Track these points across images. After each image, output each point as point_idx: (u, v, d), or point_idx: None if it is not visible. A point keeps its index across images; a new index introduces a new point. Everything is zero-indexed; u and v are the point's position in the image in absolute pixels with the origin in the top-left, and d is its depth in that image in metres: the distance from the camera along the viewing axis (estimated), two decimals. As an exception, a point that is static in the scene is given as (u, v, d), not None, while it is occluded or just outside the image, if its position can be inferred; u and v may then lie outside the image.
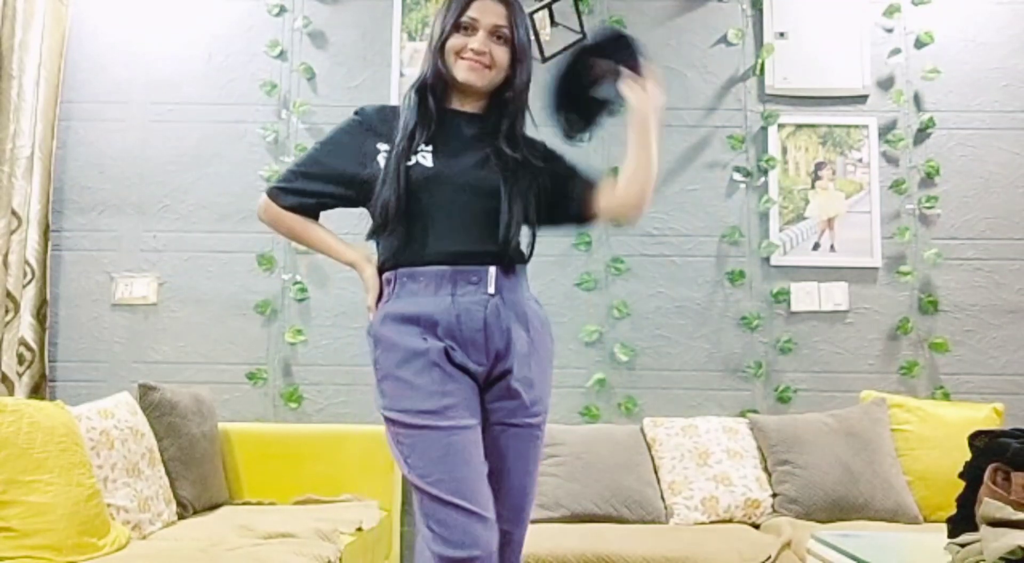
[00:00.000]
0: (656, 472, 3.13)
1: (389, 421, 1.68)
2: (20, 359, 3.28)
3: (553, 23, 3.26)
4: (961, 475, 1.95)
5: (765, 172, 3.53)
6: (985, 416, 3.14)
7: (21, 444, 2.18)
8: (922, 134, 3.55)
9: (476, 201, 1.73)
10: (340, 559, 2.49)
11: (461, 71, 1.75)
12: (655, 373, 3.45)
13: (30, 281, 3.35)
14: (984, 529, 1.74)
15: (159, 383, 3.00)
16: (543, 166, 1.82)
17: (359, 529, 2.78)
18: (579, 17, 3.30)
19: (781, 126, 3.55)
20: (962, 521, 1.90)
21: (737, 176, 3.52)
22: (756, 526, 2.99)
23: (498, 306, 1.69)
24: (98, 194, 3.54)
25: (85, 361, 3.47)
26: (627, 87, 1.75)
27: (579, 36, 3.28)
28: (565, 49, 3.30)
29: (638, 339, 3.45)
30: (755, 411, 3.37)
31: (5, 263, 3.22)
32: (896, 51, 3.56)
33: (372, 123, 1.81)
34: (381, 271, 1.78)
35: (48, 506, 2.16)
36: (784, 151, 3.55)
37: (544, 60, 3.15)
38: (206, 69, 3.60)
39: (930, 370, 3.45)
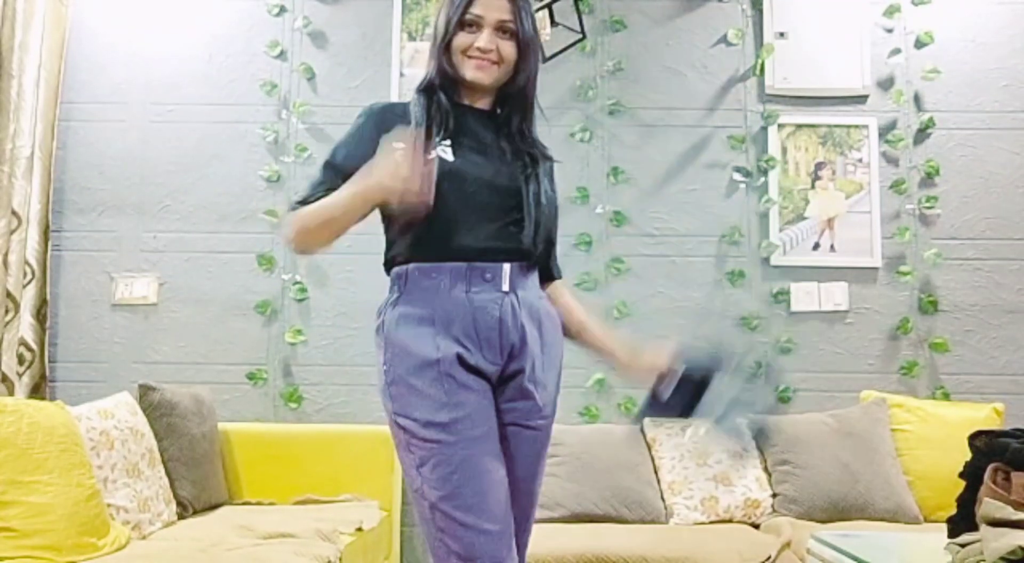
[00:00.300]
0: (656, 472, 3.13)
1: (399, 427, 1.63)
2: (20, 359, 3.28)
3: (553, 23, 3.26)
4: (961, 475, 1.95)
5: (765, 172, 3.53)
6: (985, 416, 3.14)
7: (21, 444, 2.18)
8: (922, 134, 3.55)
9: (495, 197, 1.69)
10: (340, 559, 2.49)
11: (469, 70, 1.72)
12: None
13: (30, 281, 3.35)
14: (984, 529, 1.74)
15: (159, 383, 3.00)
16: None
17: (359, 529, 2.78)
18: (579, 17, 3.30)
19: (781, 126, 3.55)
20: (962, 521, 1.90)
21: (737, 176, 3.52)
22: (756, 526, 2.99)
23: (513, 304, 1.67)
24: (98, 194, 3.54)
25: (85, 361, 3.46)
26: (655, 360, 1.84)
27: (579, 36, 3.28)
28: (565, 49, 3.32)
29: (638, 339, 3.44)
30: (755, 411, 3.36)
31: (5, 263, 3.22)
32: (896, 51, 3.56)
33: (383, 120, 1.74)
34: (392, 266, 1.72)
35: (48, 506, 2.16)
36: (784, 151, 3.55)
37: (544, 60, 3.15)
38: (206, 69, 3.60)
39: (930, 370, 3.45)
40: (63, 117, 3.53)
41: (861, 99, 3.57)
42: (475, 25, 1.71)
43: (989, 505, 1.76)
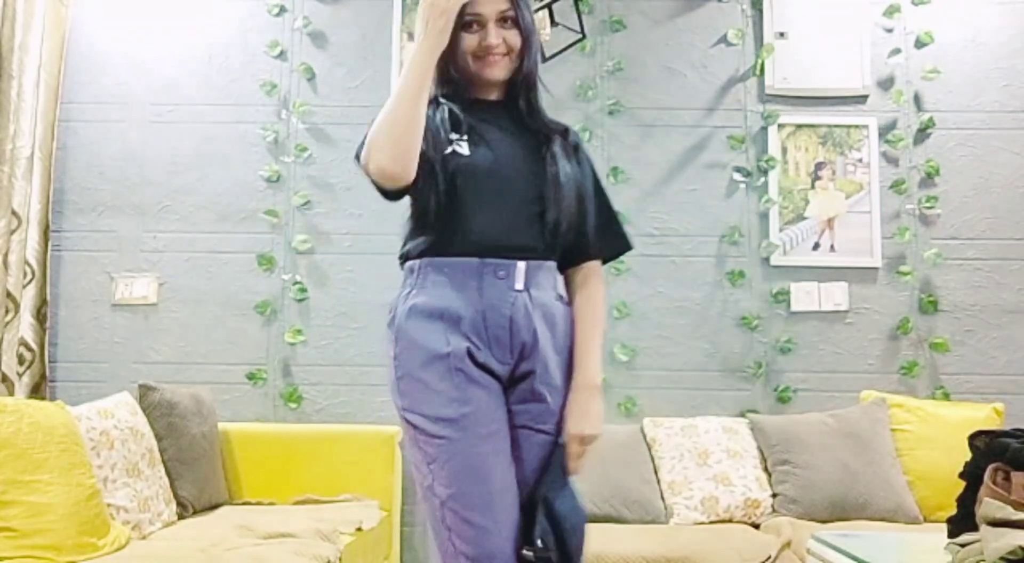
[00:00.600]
0: (656, 472, 3.13)
1: (409, 423, 1.61)
2: (20, 359, 3.28)
3: (553, 23, 3.26)
4: (961, 475, 1.95)
5: (765, 172, 3.53)
6: (985, 416, 3.14)
7: (21, 444, 2.18)
8: (922, 134, 3.55)
9: (513, 188, 1.66)
10: (340, 559, 2.49)
11: (482, 70, 1.71)
12: (655, 373, 3.45)
13: (30, 281, 3.35)
14: (984, 529, 1.74)
15: (159, 383, 3.00)
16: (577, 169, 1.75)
17: (359, 529, 2.78)
18: (579, 17, 3.30)
19: (781, 126, 3.55)
20: (962, 521, 1.90)
21: (737, 176, 3.52)
22: (756, 526, 2.99)
23: (526, 303, 1.63)
24: (98, 194, 3.54)
25: (85, 361, 3.46)
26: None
27: (579, 36, 3.28)
28: (565, 49, 3.32)
29: (638, 339, 3.45)
30: (755, 411, 3.37)
31: (5, 263, 3.22)
32: (896, 51, 3.56)
33: None
34: (406, 259, 1.70)
35: (48, 506, 2.16)
36: (784, 151, 3.55)
37: (544, 60, 3.14)
38: (206, 70, 3.60)
39: (930, 370, 3.45)
40: (63, 117, 3.53)
41: (861, 99, 3.57)
42: (477, 23, 1.69)
43: (989, 505, 1.76)
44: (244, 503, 3.13)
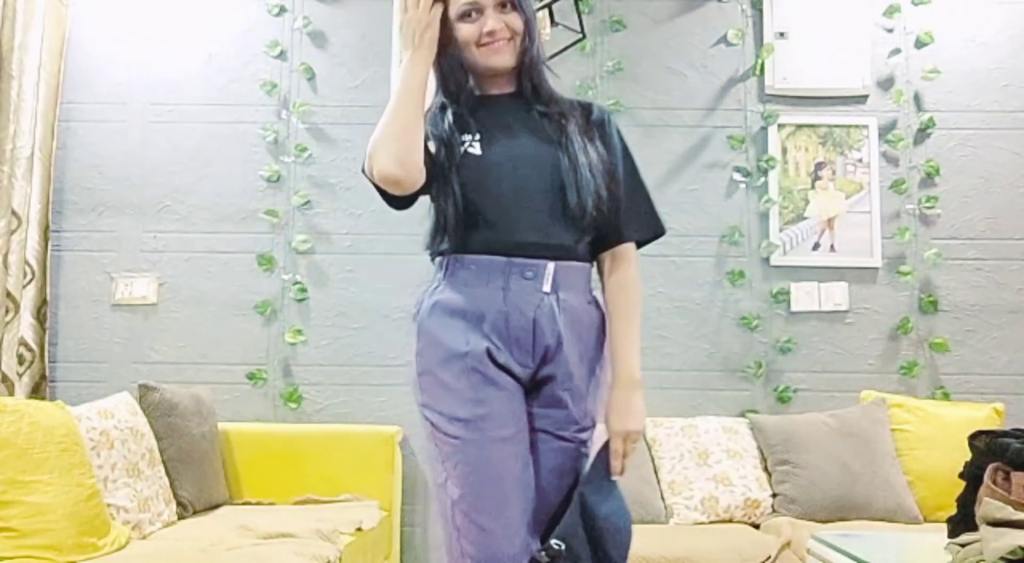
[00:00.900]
0: (656, 472, 3.13)
1: (426, 419, 1.60)
2: (20, 359, 3.28)
3: (553, 23, 3.26)
4: (961, 475, 1.95)
5: (765, 172, 3.53)
6: (985, 416, 3.14)
7: (21, 444, 2.18)
8: (922, 134, 3.55)
9: (535, 183, 1.61)
10: (340, 559, 2.49)
11: (489, 59, 1.65)
12: (655, 373, 3.45)
13: (30, 281, 3.35)
14: (984, 529, 1.74)
15: (159, 383, 3.00)
16: (601, 148, 1.68)
17: (359, 529, 2.78)
18: (579, 17, 3.30)
19: (781, 126, 3.55)
20: (962, 521, 1.90)
21: (737, 176, 3.52)
22: (756, 526, 2.99)
23: (552, 306, 1.59)
24: (98, 194, 3.54)
25: (85, 361, 3.46)
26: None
27: (579, 36, 3.28)
28: (565, 49, 3.32)
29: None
30: (755, 411, 3.37)
31: (5, 263, 3.22)
32: (896, 51, 3.56)
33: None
34: (435, 255, 1.67)
35: (48, 506, 2.16)
36: (784, 151, 3.55)
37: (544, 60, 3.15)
38: (206, 70, 3.60)
39: (930, 370, 3.44)
40: (63, 117, 3.53)
41: (861, 99, 3.57)
42: (475, 11, 1.64)
43: (989, 505, 1.76)
44: (244, 503, 3.13)
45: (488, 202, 1.61)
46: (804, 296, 3.48)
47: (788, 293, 3.47)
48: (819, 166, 3.54)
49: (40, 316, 3.37)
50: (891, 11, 3.57)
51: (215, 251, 3.52)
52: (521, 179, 1.62)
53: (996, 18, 3.60)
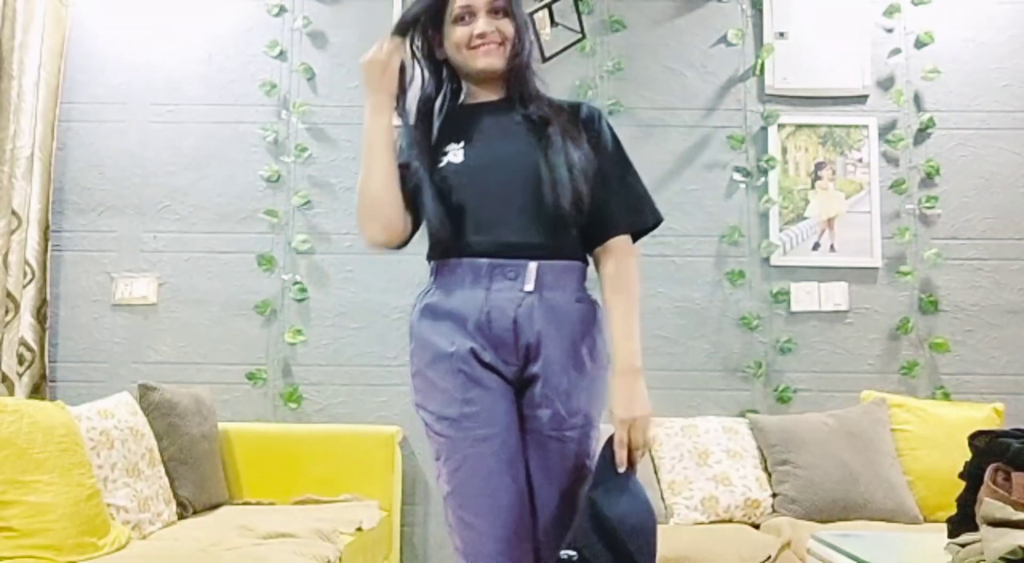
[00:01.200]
0: (656, 472, 3.12)
1: (420, 417, 1.67)
2: (20, 359, 3.28)
3: (553, 23, 3.26)
4: (961, 475, 1.94)
5: (765, 172, 3.53)
6: (985, 416, 3.14)
7: (21, 444, 2.18)
8: (922, 134, 3.55)
9: (516, 185, 1.65)
10: (340, 559, 2.49)
11: (478, 60, 1.70)
12: (655, 373, 3.41)
13: (30, 281, 3.35)
14: (984, 529, 1.74)
15: (159, 383, 3.00)
16: (586, 147, 1.70)
17: (359, 529, 2.79)
18: (579, 17, 3.30)
19: (781, 126, 3.55)
20: (962, 521, 1.90)
21: (737, 176, 3.52)
22: (756, 526, 2.99)
23: (532, 305, 1.62)
24: (98, 194, 3.54)
25: (85, 361, 3.46)
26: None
27: (579, 36, 3.28)
28: (565, 49, 3.32)
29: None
30: (755, 411, 3.37)
31: (5, 263, 3.22)
32: (896, 51, 3.56)
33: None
34: (429, 259, 1.73)
35: (48, 506, 2.16)
36: (784, 151, 3.55)
37: (544, 60, 3.15)
38: (206, 70, 3.60)
39: (930, 370, 3.44)
40: (63, 117, 3.53)
41: (861, 99, 3.57)
42: (468, 15, 1.70)
43: (989, 505, 1.76)
44: (244, 503, 3.13)
45: (471, 207, 1.66)
46: (804, 296, 3.48)
47: (788, 293, 3.47)
48: (819, 166, 3.54)
49: (40, 316, 3.37)
50: (891, 11, 3.57)
51: (215, 251, 3.52)
52: (502, 183, 1.66)
53: (996, 18, 3.60)
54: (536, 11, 3.06)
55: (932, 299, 3.46)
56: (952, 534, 1.92)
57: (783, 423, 3.18)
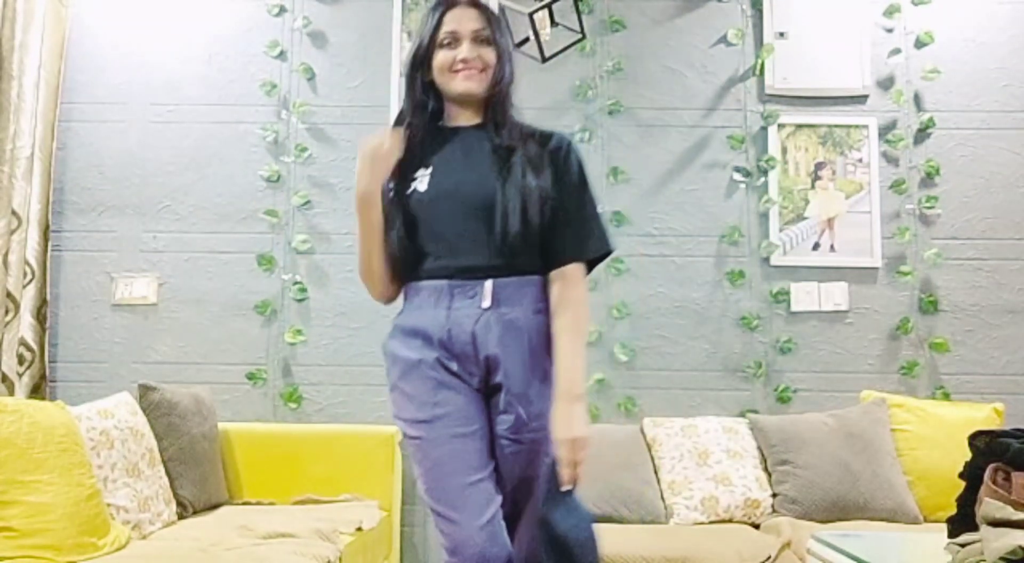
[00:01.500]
0: (656, 472, 3.13)
1: (401, 429, 1.78)
2: (20, 359, 3.28)
3: (553, 23, 3.26)
4: (961, 475, 1.95)
5: (765, 172, 3.53)
6: (985, 416, 3.14)
7: (21, 444, 2.18)
8: (922, 134, 3.55)
9: (471, 212, 1.74)
10: (340, 559, 2.49)
11: (458, 84, 1.79)
12: (655, 373, 3.45)
13: (30, 281, 3.35)
14: (984, 529, 1.74)
15: (159, 383, 3.00)
16: (548, 173, 1.79)
17: (359, 529, 2.79)
18: (579, 17, 3.30)
19: (781, 126, 3.55)
20: (962, 521, 1.90)
21: (737, 176, 3.52)
22: (756, 526, 2.99)
23: (489, 320, 1.72)
24: (98, 195, 3.54)
25: (85, 361, 3.46)
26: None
27: (579, 36, 3.28)
28: (565, 49, 3.32)
29: (637, 339, 3.45)
30: (755, 411, 3.37)
31: (5, 263, 3.22)
32: (896, 51, 3.56)
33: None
34: (402, 283, 1.85)
35: (48, 506, 2.16)
36: (784, 151, 3.55)
37: (544, 60, 3.15)
38: (206, 70, 3.60)
39: (930, 370, 3.44)
40: (63, 117, 3.53)
41: (861, 99, 3.57)
42: (453, 42, 1.79)
43: (989, 505, 1.76)
44: (244, 503, 3.13)
45: (433, 234, 1.77)
46: (804, 296, 3.48)
47: (788, 293, 3.47)
48: (819, 166, 3.54)
49: (40, 316, 3.37)
50: (891, 11, 3.57)
51: (215, 251, 3.52)
52: (462, 208, 1.76)
53: (996, 18, 3.60)
54: (536, 11, 3.06)
55: (932, 299, 3.46)
56: (952, 534, 1.92)
57: (783, 423, 3.18)
